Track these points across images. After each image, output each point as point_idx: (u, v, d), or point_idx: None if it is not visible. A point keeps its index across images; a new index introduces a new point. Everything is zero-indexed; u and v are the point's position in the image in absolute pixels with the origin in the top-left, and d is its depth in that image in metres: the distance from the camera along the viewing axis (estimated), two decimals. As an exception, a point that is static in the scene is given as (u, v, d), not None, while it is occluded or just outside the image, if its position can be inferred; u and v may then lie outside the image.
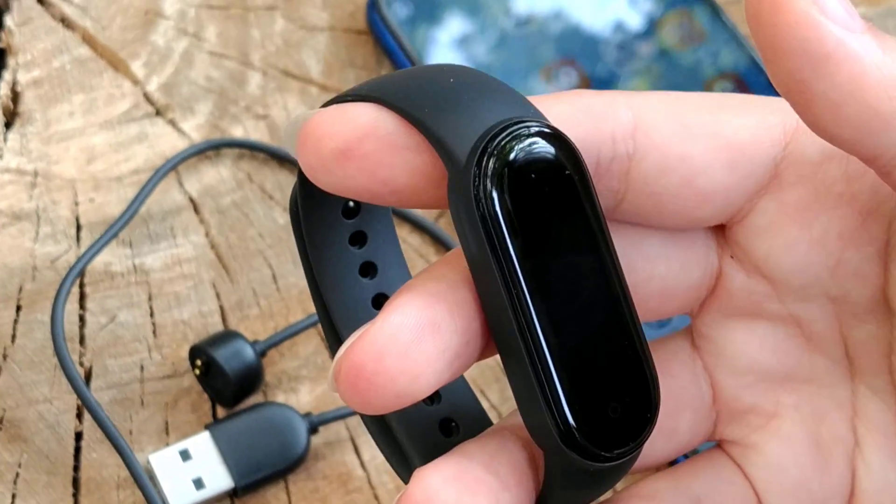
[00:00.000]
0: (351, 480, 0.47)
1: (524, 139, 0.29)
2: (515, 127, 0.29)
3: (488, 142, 0.29)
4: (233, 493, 0.46)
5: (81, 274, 0.50)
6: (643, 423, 0.30)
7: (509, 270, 0.29)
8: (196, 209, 0.52)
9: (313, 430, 0.47)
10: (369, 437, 0.34)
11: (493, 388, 0.49)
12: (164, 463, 0.46)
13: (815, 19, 0.29)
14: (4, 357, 0.48)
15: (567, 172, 0.29)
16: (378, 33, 0.56)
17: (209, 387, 0.48)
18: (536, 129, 0.29)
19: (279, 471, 0.47)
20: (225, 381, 0.47)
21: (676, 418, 0.34)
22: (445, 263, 0.31)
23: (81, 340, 0.49)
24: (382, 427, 0.33)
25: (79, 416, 0.47)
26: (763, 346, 0.34)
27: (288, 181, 0.53)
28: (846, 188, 0.32)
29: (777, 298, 0.33)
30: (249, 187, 0.53)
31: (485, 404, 0.48)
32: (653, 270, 0.33)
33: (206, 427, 0.47)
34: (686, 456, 0.38)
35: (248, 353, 0.47)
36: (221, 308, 0.50)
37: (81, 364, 0.48)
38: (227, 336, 0.48)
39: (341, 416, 0.47)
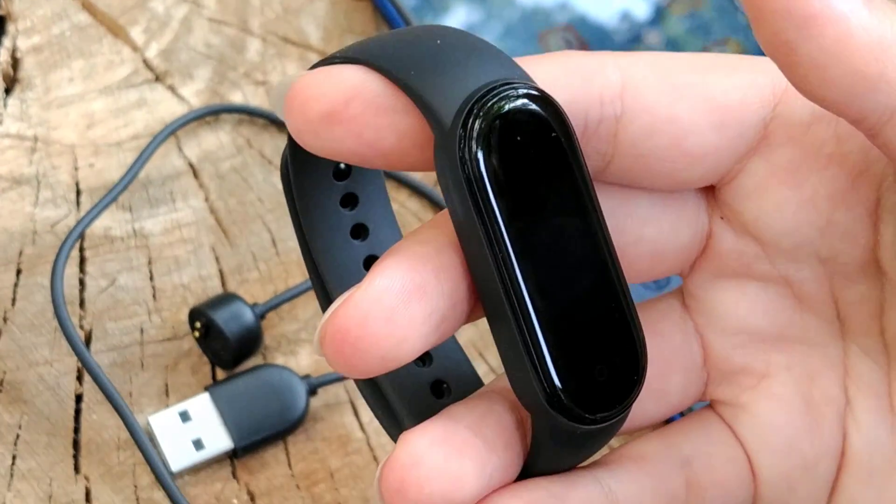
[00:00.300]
0: (350, 442, 0.47)
1: (510, 100, 0.29)
2: (502, 88, 0.29)
3: (474, 103, 0.29)
4: (232, 454, 0.47)
5: (81, 238, 0.50)
6: (630, 385, 0.30)
7: (495, 232, 0.29)
8: (195, 174, 0.52)
9: (312, 391, 0.47)
10: (368, 398, 0.34)
11: (491, 350, 0.49)
12: (163, 424, 0.46)
13: None
14: (5, 320, 0.48)
15: (553, 134, 0.29)
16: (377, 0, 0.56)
17: (208, 349, 0.48)
18: (523, 90, 0.29)
19: (278, 432, 0.47)
20: (224, 344, 0.47)
21: (667, 379, 0.34)
22: (432, 226, 0.30)
23: (81, 304, 0.49)
24: (374, 389, 0.33)
25: (79, 378, 0.48)
26: (754, 306, 0.34)
27: (287, 146, 0.53)
28: (836, 149, 0.32)
29: (767, 259, 0.33)
30: (249, 152, 0.53)
31: (484, 367, 0.48)
32: (642, 232, 0.33)
33: (206, 389, 0.47)
34: (682, 414, 0.38)
35: (248, 315, 0.48)
36: (221, 272, 0.50)
37: (81, 327, 0.49)
38: (227, 298, 0.48)
39: (340, 378, 0.47)
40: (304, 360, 0.49)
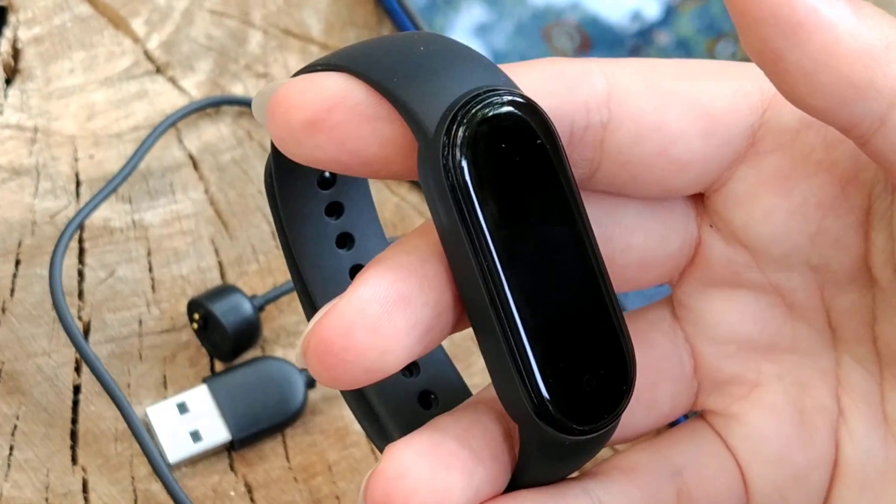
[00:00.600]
0: (348, 435, 0.47)
1: (495, 107, 0.28)
2: (486, 95, 0.28)
3: (458, 110, 0.28)
4: (230, 446, 0.46)
5: (81, 229, 0.50)
6: (619, 395, 0.30)
7: (480, 241, 0.28)
8: (195, 166, 0.52)
9: (311, 384, 0.47)
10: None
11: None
12: (161, 415, 0.46)
13: None
14: (3, 311, 0.48)
15: (538, 141, 0.29)
16: (379, -8, 0.56)
17: (207, 341, 0.48)
18: (508, 97, 0.29)
19: (276, 424, 0.47)
20: (223, 335, 0.47)
21: (657, 389, 0.33)
22: (417, 235, 0.30)
23: (80, 295, 0.49)
24: (361, 399, 0.33)
25: (77, 369, 0.48)
26: (744, 315, 0.33)
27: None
28: (825, 156, 0.32)
29: (757, 267, 0.33)
30: (249, 145, 0.53)
31: (481, 376, 0.48)
32: (630, 240, 0.32)
33: (204, 380, 0.47)
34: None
35: (246, 307, 0.47)
36: (220, 264, 0.50)
37: (80, 318, 0.49)
38: (226, 290, 0.48)
39: (339, 370, 0.47)
40: (302, 353, 0.48)
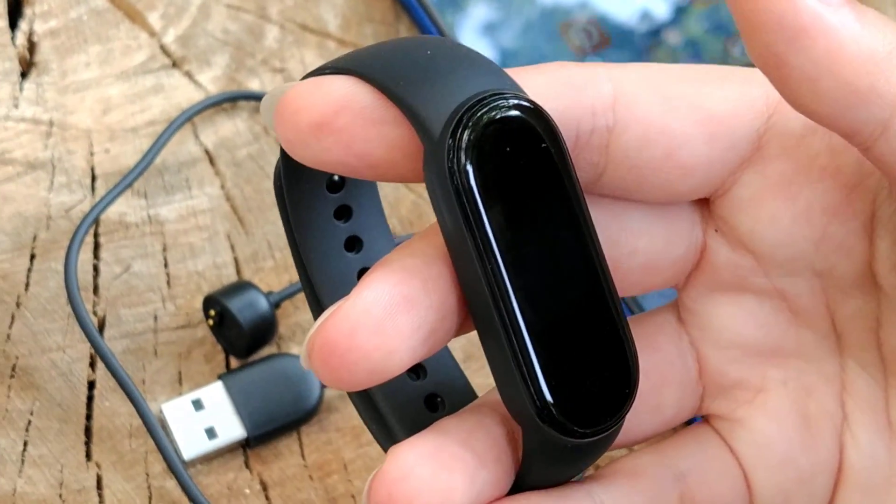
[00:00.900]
0: (364, 433, 0.47)
1: (500, 111, 0.29)
2: (492, 99, 0.29)
3: (463, 114, 0.28)
4: (245, 444, 0.46)
5: (96, 223, 0.50)
6: (622, 398, 0.30)
7: (484, 244, 0.28)
8: (212, 161, 0.52)
9: (326, 382, 0.47)
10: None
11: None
12: (176, 412, 0.46)
13: None
14: (18, 305, 0.48)
15: (543, 145, 0.29)
16: (396, -13, 0.56)
17: (222, 337, 0.48)
18: (513, 101, 0.29)
19: (292, 422, 0.46)
20: (238, 332, 0.47)
21: (661, 393, 0.33)
22: (422, 238, 0.30)
23: (95, 290, 0.49)
24: (368, 402, 0.33)
25: (91, 364, 0.47)
26: (749, 320, 0.33)
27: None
28: (830, 161, 0.31)
29: (762, 272, 0.33)
30: (265, 140, 0.53)
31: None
32: (636, 244, 0.32)
33: (219, 377, 0.47)
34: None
35: (262, 303, 0.47)
36: (236, 260, 0.50)
37: (95, 313, 0.48)
38: (241, 286, 0.48)
39: (355, 368, 0.47)
40: (318, 350, 0.48)
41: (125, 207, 0.50)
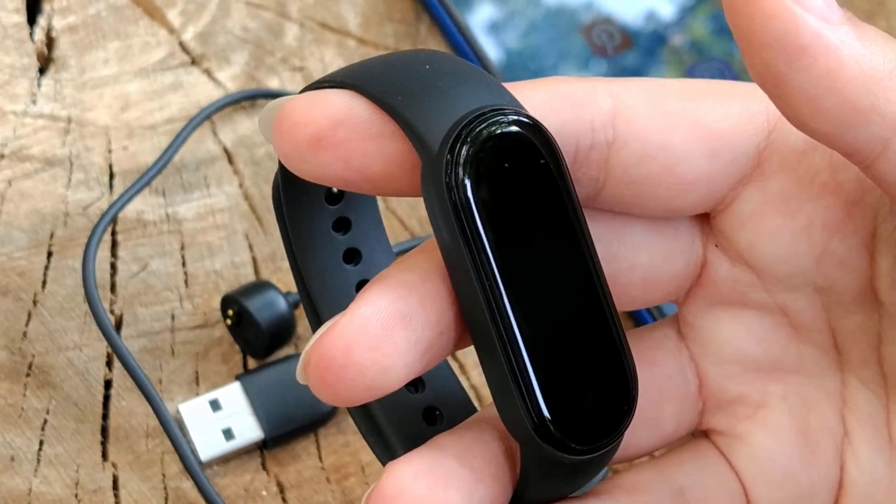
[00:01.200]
0: (382, 436, 0.46)
1: (499, 126, 0.28)
2: (490, 114, 0.28)
3: (462, 129, 0.28)
4: (262, 445, 0.46)
5: (114, 221, 0.49)
6: (621, 415, 0.30)
7: (482, 260, 0.28)
8: (230, 159, 0.52)
9: (345, 383, 0.46)
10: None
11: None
12: (193, 412, 0.46)
13: (792, 10, 0.28)
14: (35, 303, 0.48)
15: (542, 161, 0.29)
16: (417, -14, 0.56)
17: (240, 338, 0.47)
18: (512, 116, 0.29)
19: (310, 424, 0.46)
20: (257, 332, 0.47)
21: (661, 408, 0.33)
22: (419, 253, 0.30)
23: (112, 288, 0.48)
24: (366, 415, 0.33)
25: (108, 363, 0.47)
26: (749, 335, 0.33)
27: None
28: (831, 178, 0.31)
29: (763, 288, 0.32)
30: (284, 139, 0.52)
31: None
32: (635, 259, 0.32)
33: (237, 378, 0.46)
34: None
35: (281, 304, 0.47)
36: (254, 259, 0.50)
37: (112, 312, 0.48)
38: (260, 286, 0.47)
39: (373, 370, 0.47)
40: (336, 351, 0.48)
41: (143, 205, 0.50)
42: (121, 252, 0.49)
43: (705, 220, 0.33)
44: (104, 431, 0.46)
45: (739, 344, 0.33)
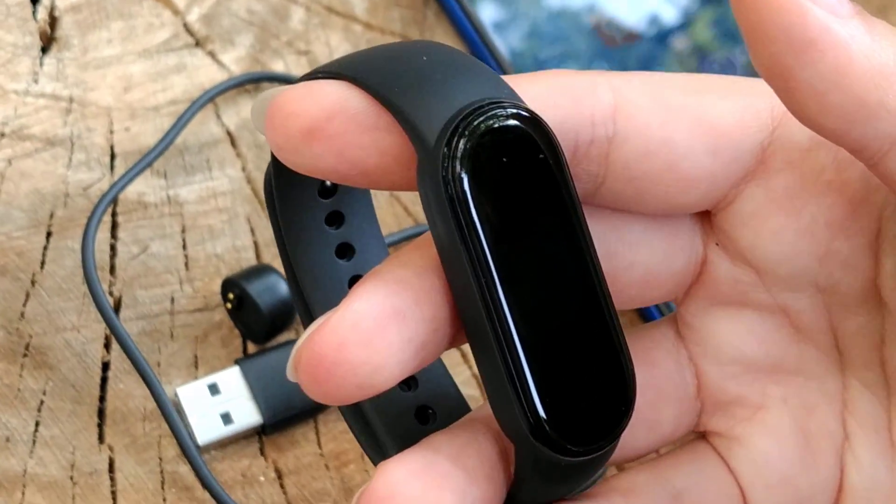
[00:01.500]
0: (382, 423, 0.46)
1: (497, 120, 0.28)
2: (489, 107, 0.28)
3: (459, 122, 0.28)
4: (261, 430, 0.45)
5: (114, 203, 0.49)
6: (618, 417, 0.29)
7: (479, 256, 0.27)
8: (233, 142, 0.51)
9: (345, 370, 0.46)
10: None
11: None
12: (191, 396, 0.45)
13: (800, 3, 0.27)
14: (33, 283, 0.47)
15: (541, 156, 0.28)
16: (425, -28, 0.55)
17: (240, 322, 0.47)
18: (511, 110, 0.28)
19: (309, 410, 0.45)
20: (257, 316, 0.46)
21: (659, 409, 0.33)
22: (414, 249, 0.29)
23: (112, 270, 0.48)
24: (358, 414, 0.32)
25: (106, 345, 0.46)
26: (749, 335, 0.32)
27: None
28: (836, 176, 0.31)
29: (764, 287, 0.32)
30: (288, 123, 0.52)
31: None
32: (634, 257, 0.32)
33: (236, 362, 0.46)
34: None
35: (283, 288, 0.46)
36: (255, 243, 0.49)
37: (111, 293, 0.47)
38: (262, 270, 0.47)
39: (374, 357, 0.46)
40: (337, 338, 0.47)
41: (144, 187, 0.50)
42: (121, 234, 0.49)
43: (706, 217, 0.32)
44: (101, 414, 0.45)
45: (739, 344, 0.33)
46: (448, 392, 0.32)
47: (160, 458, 0.45)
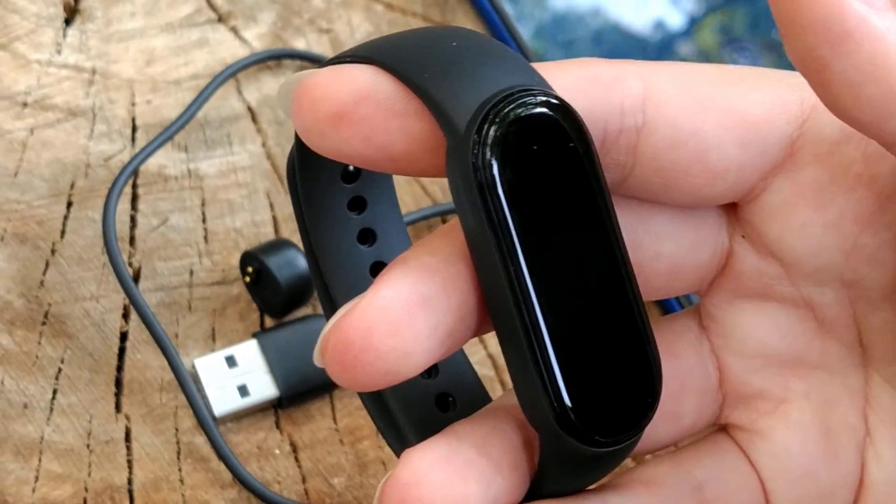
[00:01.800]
0: (396, 400, 0.46)
1: (527, 108, 0.27)
2: (519, 94, 0.28)
3: (490, 109, 0.27)
4: (277, 404, 0.46)
5: (135, 174, 0.49)
6: (644, 408, 0.29)
7: (507, 244, 0.27)
8: (254, 118, 0.51)
9: (362, 346, 0.46)
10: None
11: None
12: (209, 368, 0.45)
13: None
14: (53, 252, 0.47)
15: (571, 144, 0.28)
16: (449, -47, 0.55)
17: (258, 296, 0.47)
18: (541, 97, 0.28)
19: (325, 385, 0.46)
20: (275, 290, 0.46)
21: (680, 401, 0.33)
22: (442, 235, 0.29)
23: (132, 241, 0.48)
24: (377, 400, 0.32)
25: (125, 315, 0.47)
26: (773, 329, 0.32)
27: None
28: (865, 170, 0.31)
29: (789, 281, 0.32)
30: (309, 100, 0.52)
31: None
32: (660, 248, 0.31)
33: (254, 335, 0.46)
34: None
35: (301, 263, 0.46)
36: (274, 218, 0.49)
37: (130, 264, 0.48)
38: (281, 244, 0.47)
39: (391, 334, 0.46)
40: (354, 314, 0.47)
41: (165, 160, 0.50)
42: (141, 205, 0.49)
43: (732, 209, 0.32)
44: (118, 383, 0.46)
45: (763, 337, 0.32)
46: (468, 380, 0.32)
47: (176, 429, 0.45)
